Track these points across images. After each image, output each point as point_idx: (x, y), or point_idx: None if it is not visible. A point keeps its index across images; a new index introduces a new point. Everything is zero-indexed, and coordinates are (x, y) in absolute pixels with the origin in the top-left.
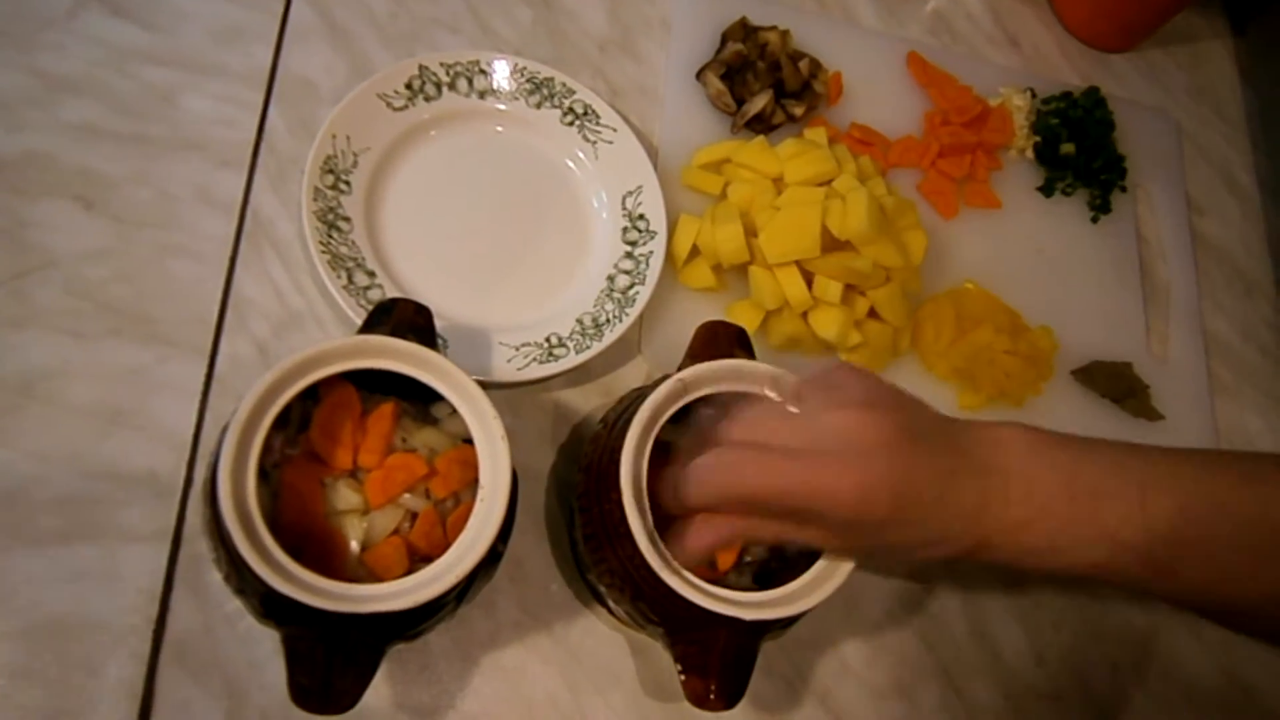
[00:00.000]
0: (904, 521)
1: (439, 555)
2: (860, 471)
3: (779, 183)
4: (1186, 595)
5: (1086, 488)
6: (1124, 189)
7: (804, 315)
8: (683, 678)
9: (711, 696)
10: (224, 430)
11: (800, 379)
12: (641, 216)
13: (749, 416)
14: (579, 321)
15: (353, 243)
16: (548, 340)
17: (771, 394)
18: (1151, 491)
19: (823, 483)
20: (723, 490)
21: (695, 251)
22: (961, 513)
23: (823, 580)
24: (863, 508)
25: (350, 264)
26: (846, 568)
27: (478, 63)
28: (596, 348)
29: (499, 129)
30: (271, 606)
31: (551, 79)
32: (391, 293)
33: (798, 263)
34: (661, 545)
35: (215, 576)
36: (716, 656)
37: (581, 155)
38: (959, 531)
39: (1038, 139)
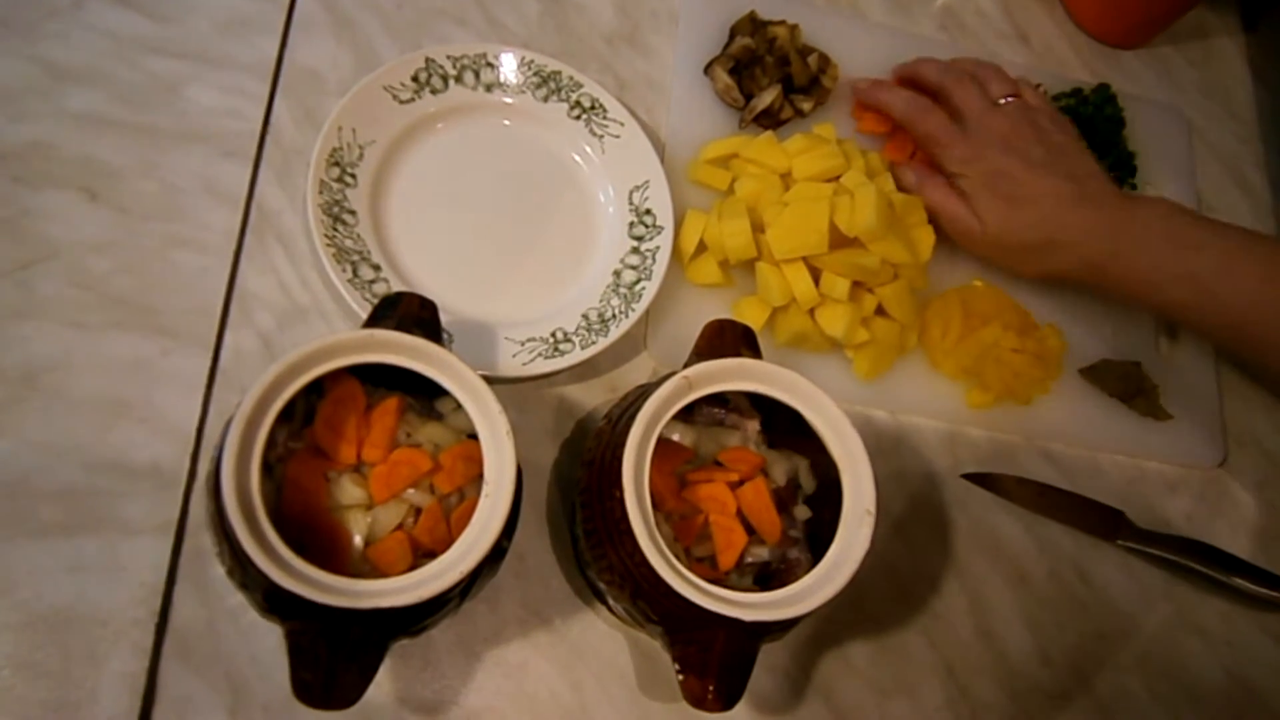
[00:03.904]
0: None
1: (443, 551)
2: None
3: (787, 178)
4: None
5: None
6: (1134, 186)
7: (811, 312)
8: (681, 678)
9: (709, 697)
10: (228, 423)
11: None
12: (648, 211)
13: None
14: (585, 317)
15: (358, 236)
16: (553, 335)
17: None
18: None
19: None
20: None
21: (702, 247)
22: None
23: (823, 583)
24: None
25: (355, 257)
26: (848, 573)
27: (485, 55)
28: (602, 343)
29: (506, 122)
30: (275, 601)
31: (559, 72)
32: (397, 287)
33: (805, 259)
34: (662, 543)
35: (218, 570)
36: (715, 657)
37: (588, 149)
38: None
39: None
